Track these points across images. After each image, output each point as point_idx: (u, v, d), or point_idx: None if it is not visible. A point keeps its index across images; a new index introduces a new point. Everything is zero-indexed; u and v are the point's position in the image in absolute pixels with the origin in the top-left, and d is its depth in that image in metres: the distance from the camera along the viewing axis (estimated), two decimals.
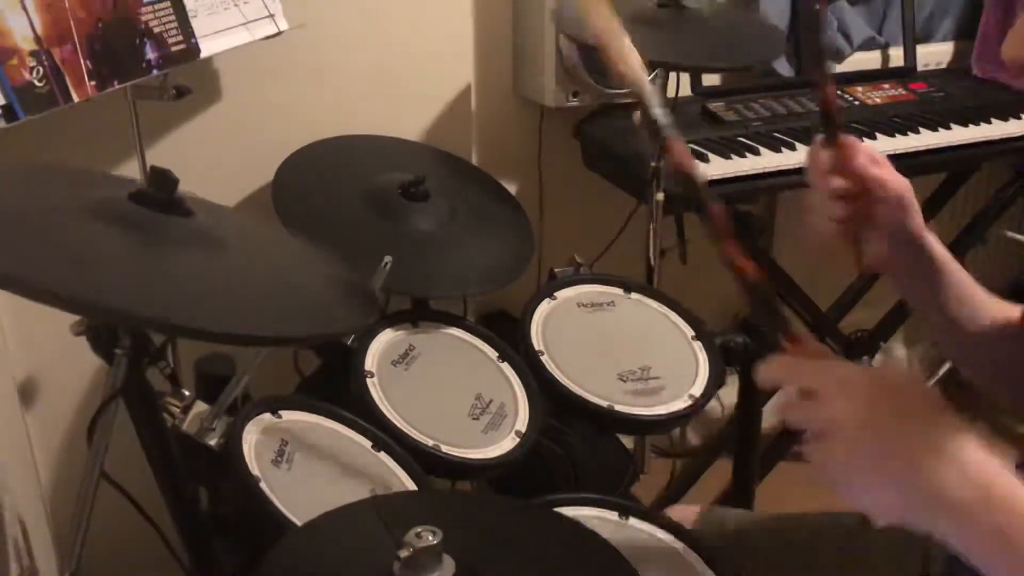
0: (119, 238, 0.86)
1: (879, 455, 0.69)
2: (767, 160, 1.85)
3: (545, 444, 1.47)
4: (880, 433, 0.69)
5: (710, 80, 2.10)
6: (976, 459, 0.68)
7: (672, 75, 1.73)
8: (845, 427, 0.69)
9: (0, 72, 1.14)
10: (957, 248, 2.31)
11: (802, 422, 0.72)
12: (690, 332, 1.47)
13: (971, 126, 2.01)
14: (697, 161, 1.82)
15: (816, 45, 1.03)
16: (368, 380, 1.30)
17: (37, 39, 1.19)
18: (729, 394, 1.64)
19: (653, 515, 1.23)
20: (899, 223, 1.04)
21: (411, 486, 1.20)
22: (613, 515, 1.23)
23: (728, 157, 1.84)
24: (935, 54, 2.32)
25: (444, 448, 1.26)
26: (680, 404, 1.36)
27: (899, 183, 1.04)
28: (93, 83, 1.26)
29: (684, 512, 1.28)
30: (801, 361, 0.76)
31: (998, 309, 1.09)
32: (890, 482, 0.68)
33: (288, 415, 1.22)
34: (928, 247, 1.05)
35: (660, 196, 1.70)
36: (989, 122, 2.04)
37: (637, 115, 1.66)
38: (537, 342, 1.39)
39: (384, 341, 1.38)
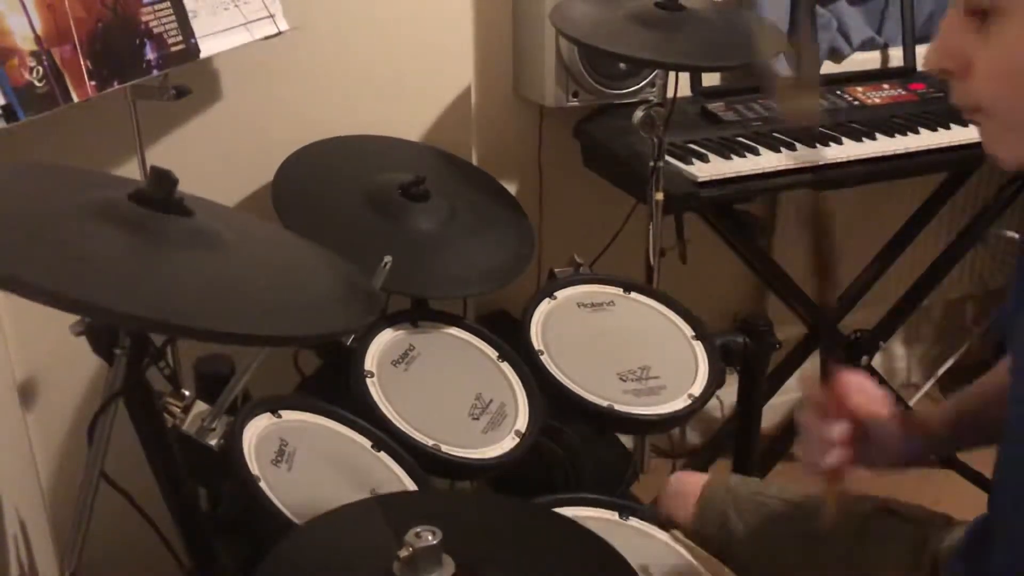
0: (119, 238, 0.86)
1: None
2: (767, 160, 1.85)
3: (545, 444, 1.47)
4: None
5: (710, 80, 2.10)
6: None
7: (671, 75, 1.73)
8: None
9: (0, 72, 1.14)
10: (957, 248, 2.31)
11: None
12: (690, 332, 1.47)
13: (971, 126, 2.01)
14: (699, 163, 1.82)
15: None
16: (368, 380, 1.30)
17: (37, 39, 1.19)
18: (729, 394, 1.64)
19: (653, 515, 1.24)
20: (890, 436, 1.03)
21: (411, 486, 1.20)
22: (613, 515, 1.23)
23: (728, 157, 1.84)
24: None
25: (444, 448, 1.26)
26: (680, 404, 1.36)
27: (890, 414, 1.03)
28: (93, 83, 1.25)
29: (691, 479, 1.27)
30: None
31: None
32: None
33: (288, 415, 1.22)
34: (929, 436, 1.05)
35: (659, 196, 1.70)
36: None
37: (637, 115, 1.66)
38: (537, 342, 1.40)
39: (384, 341, 1.38)
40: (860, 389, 1.02)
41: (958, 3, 0.77)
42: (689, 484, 1.24)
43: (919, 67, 2.25)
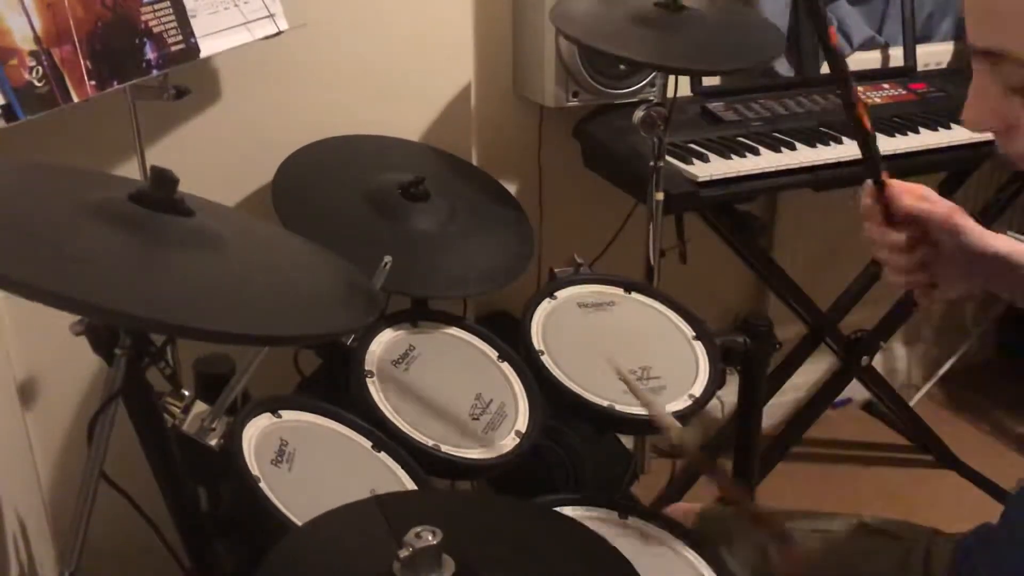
0: (119, 238, 0.86)
1: None
2: (767, 160, 1.85)
3: (545, 444, 1.47)
4: None
5: (710, 80, 2.10)
6: None
7: (672, 75, 1.73)
8: None
9: (0, 72, 1.14)
10: None
11: None
12: (690, 332, 1.47)
13: None
14: (699, 163, 1.82)
15: (844, 87, 1.04)
16: (368, 380, 1.30)
17: (37, 39, 1.19)
18: (729, 394, 1.64)
19: (653, 515, 1.24)
20: (955, 246, 1.05)
21: (411, 486, 1.20)
22: (613, 515, 1.23)
23: (728, 157, 1.84)
24: (935, 54, 2.31)
25: (444, 448, 1.26)
26: (680, 404, 1.36)
27: (945, 209, 1.06)
28: (93, 83, 1.26)
29: (685, 509, 1.28)
30: None
31: None
32: None
33: (288, 415, 1.22)
34: (997, 253, 1.05)
35: (659, 196, 1.70)
36: None
37: (637, 114, 1.66)
38: (537, 342, 1.39)
39: (384, 341, 1.38)
40: (910, 191, 1.06)
41: (994, 79, 0.77)
42: (681, 517, 1.26)
43: (919, 67, 2.26)
